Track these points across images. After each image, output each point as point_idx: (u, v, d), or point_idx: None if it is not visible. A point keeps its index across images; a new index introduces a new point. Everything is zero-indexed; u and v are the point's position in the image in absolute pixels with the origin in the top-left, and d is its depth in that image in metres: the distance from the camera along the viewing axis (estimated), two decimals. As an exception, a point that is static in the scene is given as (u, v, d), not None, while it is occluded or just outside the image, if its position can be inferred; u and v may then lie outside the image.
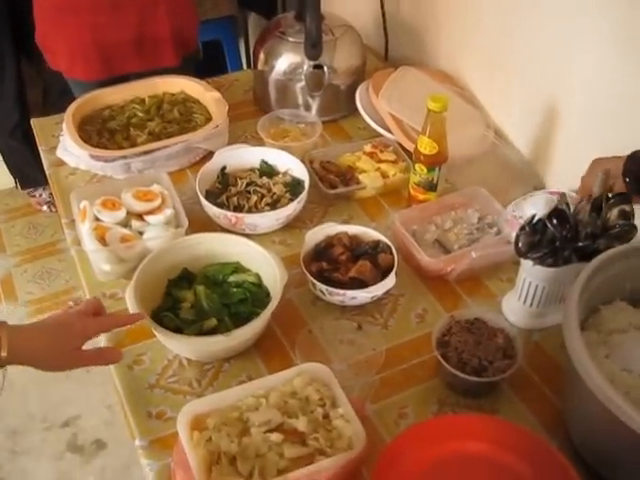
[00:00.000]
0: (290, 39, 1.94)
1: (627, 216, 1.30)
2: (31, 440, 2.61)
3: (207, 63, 3.35)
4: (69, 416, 2.68)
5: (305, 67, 1.91)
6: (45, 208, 3.55)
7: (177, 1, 2.16)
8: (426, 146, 1.56)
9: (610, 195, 1.30)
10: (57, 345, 1.17)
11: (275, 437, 1.13)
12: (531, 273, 1.34)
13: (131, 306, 1.31)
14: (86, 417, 2.67)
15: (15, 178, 3.55)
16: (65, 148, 1.82)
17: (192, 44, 2.29)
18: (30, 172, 3.38)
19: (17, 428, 2.65)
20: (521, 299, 1.40)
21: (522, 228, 1.31)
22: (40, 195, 3.54)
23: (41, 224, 3.49)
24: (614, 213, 1.30)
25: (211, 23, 3.13)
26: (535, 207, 1.53)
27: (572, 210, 1.30)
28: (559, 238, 1.27)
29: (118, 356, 1.25)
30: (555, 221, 1.28)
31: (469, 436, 1.14)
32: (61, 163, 1.84)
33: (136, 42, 2.11)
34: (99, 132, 1.85)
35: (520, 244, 1.30)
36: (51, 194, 3.39)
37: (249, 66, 2.05)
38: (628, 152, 1.35)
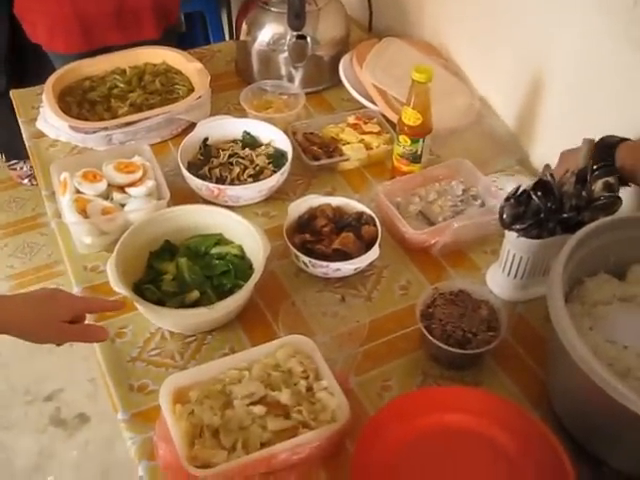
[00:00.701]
0: (273, 9, 1.91)
1: (612, 188, 1.30)
2: (14, 414, 2.59)
3: (189, 35, 3.33)
4: (52, 390, 2.67)
5: (288, 37, 1.89)
6: (26, 181, 3.50)
7: None
8: (410, 117, 1.55)
9: (595, 167, 1.30)
10: (43, 316, 1.17)
11: (258, 410, 1.13)
12: (515, 245, 1.33)
13: (112, 279, 1.29)
14: (69, 391, 2.66)
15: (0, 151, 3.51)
16: (45, 120, 1.80)
17: (173, 16, 2.26)
18: (16, 144, 3.32)
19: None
20: (505, 271, 1.39)
21: (507, 199, 1.30)
22: (21, 168, 3.48)
23: (22, 197, 3.45)
24: (599, 185, 1.30)
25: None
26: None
27: (557, 181, 1.30)
28: (544, 210, 1.27)
29: (104, 334, 1.24)
30: (540, 193, 1.27)
31: (453, 408, 1.14)
32: (41, 135, 1.81)
33: (117, 13, 2.08)
34: (79, 103, 1.82)
35: (504, 215, 1.30)
36: (32, 167, 3.34)
37: (232, 38, 2.02)
38: (612, 127, 1.35)
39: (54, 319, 1.18)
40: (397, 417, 1.14)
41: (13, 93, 2.02)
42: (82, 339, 1.23)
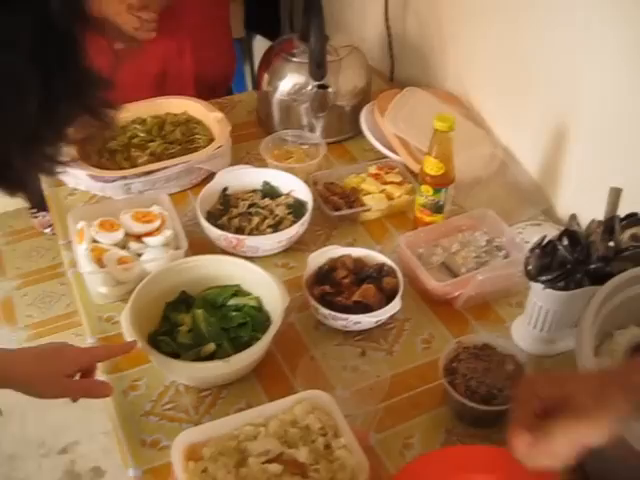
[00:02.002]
0: (294, 59, 1.90)
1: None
2: (28, 466, 2.57)
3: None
4: (67, 442, 2.64)
5: (309, 87, 1.88)
6: (47, 230, 3.51)
7: (206, 49, 2.17)
8: (432, 167, 1.52)
9: (622, 217, 1.26)
10: (46, 371, 1.16)
11: (274, 468, 1.08)
12: (541, 297, 1.29)
13: (126, 330, 1.27)
14: (84, 443, 2.63)
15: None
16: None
17: (220, 94, 2.28)
18: (41, 194, 3.34)
19: (14, 453, 2.60)
20: (531, 324, 1.35)
21: (532, 250, 1.26)
22: (44, 217, 3.49)
23: (43, 247, 3.46)
24: (626, 235, 1.26)
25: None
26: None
27: (583, 232, 1.26)
28: (570, 260, 1.23)
29: (108, 390, 1.22)
30: (566, 242, 1.24)
31: (478, 468, 1.09)
32: (60, 183, 1.81)
33: (157, 88, 2.10)
34: (99, 152, 1.82)
35: (530, 267, 1.26)
36: None
37: (254, 88, 2.03)
38: (637, 176, 1.32)
39: (58, 375, 1.17)
40: (419, 477, 1.09)
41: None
42: (86, 395, 1.21)
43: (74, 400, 1.24)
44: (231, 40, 2.40)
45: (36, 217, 3.52)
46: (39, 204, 3.42)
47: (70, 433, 2.66)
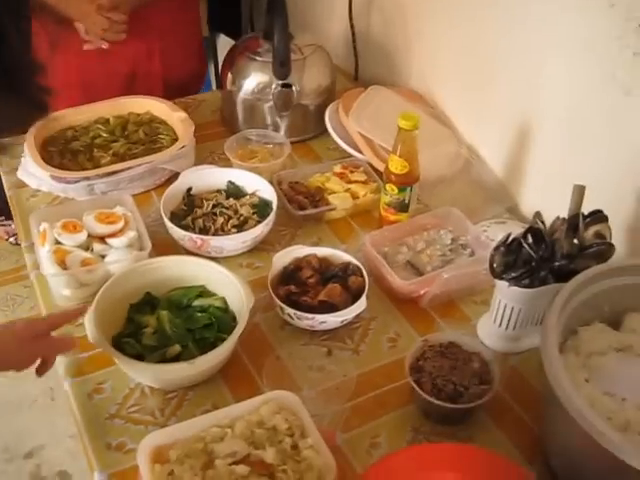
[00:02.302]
0: (258, 58, 1.89)
1: (604, 235, 1.27)
2: (-8, 472, 2.52)
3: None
4: (32, 446, 2.59)
5: (273, 86, 1.87)
6: (12, 240, 3.42)
7: (175, 52, 2.16)
8: (397, 165, 1.53)
9: (586, 214, 1.27)
10: (5, 341, 1.15)
11: (241, 469, 1.08)
12: (506, 295, 1.30)
13: (90, 332, 1.25)
14: (50, 448, 2.58)
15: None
16: (26, 169, 1.76)
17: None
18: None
19: (-22, 460, 2.56)
20: (497, 322, 1.35)
21: (496, 248, 1.27)
22: (10, 225, 3.39)
23: (5, 250, 3.40)
24: (590, 232, 1.27)
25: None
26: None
27: (547, 229, 1.27)
28: (535, 258, 1.24)
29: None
30: (531, 240, 1.25)
31: (445, 466, 1.09)
32: (22, 185, 1.78)
33: (127, 89, 2.08)
34: (61, 153, 1.79)
35: (495, 264, 1.26)
36: None
37: (218, 87, 2.02)
38: (601, 172, 1.33)
39: (10, 340, 1.14)
40: (386, 476, 1.09)
41: (-6, 143, 1.99)
42: (51, 352, 1.20)
43: (39, 374, 1.22)
44: (201, 42, 2.38)
45: (3, 225, 3.44)
46: (5, 213, 3.37)
47: (35, 437, 2.61)
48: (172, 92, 2.13)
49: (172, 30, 2.14)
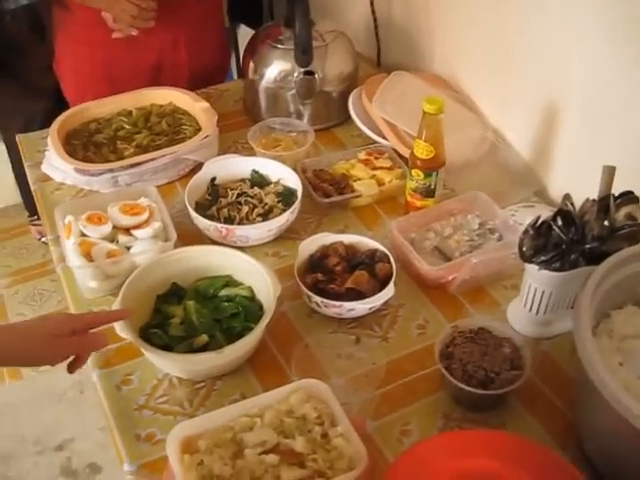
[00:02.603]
0: (280, 46, 1.88)
1: (635, 217, 1.24)
2: (24, 465, 2.54)
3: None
4: (63, 439, 2.61)
5: (296, 74, 1.86)
6: (44, 239, 3.33)
7: (200, 41, 2.15)
8: (422, 150, 1.51)
9: (617, 195, 1.25)
10: (31, 335, 1.13)
11: (271, 459, 1.07)
12: (536, 279, 1.28)
13: (117, 324, 1.25)
14: (80, 440, 2.60)
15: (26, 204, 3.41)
16: (50, 163, 1.76)
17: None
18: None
19: (9, 452, 2.57)
20: (527, 306, 1.33)
21: (526, 231, 1.25)
22: (41, 224, 3.39)
23: (32, 244, 3.43)
24: (621, 213, 1.24)
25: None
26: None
27: (577, 211, 1.24)
28: (565, 241, 1.22)
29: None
30: (560, 223, 1.22)
31: (477, 453, 1.07)
32: (47, 178, 1.78)
33: (152, 82, 2.07)
34: (85, 146, 1.79)
35: (524, 248, 1.24)
36: None
37: (240, 77, 2.01)
38: (631, 154, 1.30)
39: (44, 335, 1.12)
40: (418, 464, 1.07)
41: (19, 137, 1.99)
42: (79, 351, 1.18)
43: (71, 370, 1.20)
44: (224, 33, 2.37)
45: (34, 225, 3.44)
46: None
47: (65, 430, 2.63)
48: (196, 83, 2.13)
49: (197, 20, 2.12)
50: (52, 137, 1.75)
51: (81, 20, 2.02)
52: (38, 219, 3.32)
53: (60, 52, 2.17)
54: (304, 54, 1.81)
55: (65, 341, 1.14)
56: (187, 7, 2.07)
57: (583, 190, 1.29)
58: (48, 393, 2.74)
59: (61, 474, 2.51)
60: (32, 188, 1.80)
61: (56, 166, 1.74)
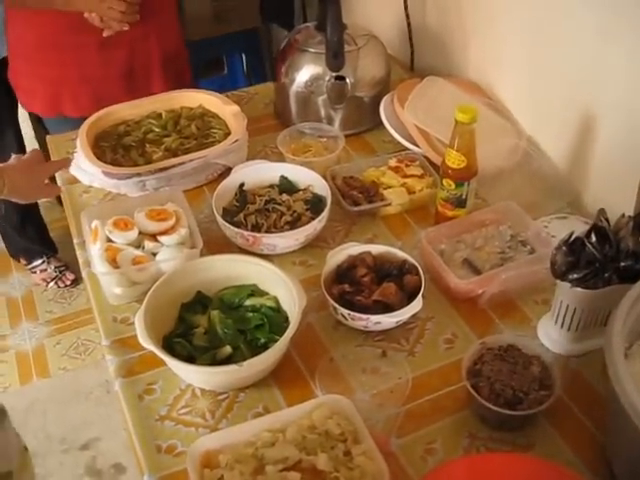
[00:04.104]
0: (311, 50, 1.86)
1: (672, 234, 1.21)
2: (49, 463, 2.54)
3: (231, 77, 3.33)
4: (88, 438, 2.61)
5: (327, 78, 1.83)
6: (52, 284, 3.23)
7: (167, 31, 2.14)
8: (454, 160, 1.48)
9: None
10: (33, 181, 1.55)
11: (292, 476, 1.06)
12: (569, 295, 1.25)
13: (140, 333, 1.23)
14: (106, 440, 2.60)
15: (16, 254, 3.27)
16: (79, 165, 1.75)
17: (184, 75, 2.27)
18: (34, 246, 3.17)
19: (35, 450, 2.55)
20: (558, 323, 1.30)
21: (558, 247, 1.22)
22: (44, 270, 3.22)
23: (76, 288, 3.26)
24: (658, 230, 1.21)
25: (234, 36, 3.08)
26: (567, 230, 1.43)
27: (612, 227, 1.21)
28: (599, 258, 1.18)
29: (67, 161, 1.71)
30: (594, 239, 1.19)
31: (504, 477, 1.05)
32: (75, 181, 1.78)
33: (126, 76, 2.08)
34: (114, 148, 1.78)
35: (557, 265, 1.21)
36: (58, 267, 3.20)
37: (273, 79, 2.00)
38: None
39: (38, 183, 1.57)
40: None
41: (48, 138, 2.00)
42: (49, 171, 1.64)
43: (53, 193, 1.77)
44: (177, 13, 2.29)
45: (35, 272, 3.24)
46: (36, 254, 3.20)
47: (91, 429, 2.63)
48: (169, 69, 2.15)
49: (161, 8, 2.11)
50: (81, 139, 1.74)
51: (50, 25, 1.98)
52: (28, 262, 3.23)
53: (18, 61, 2.11)
54: (335, 59, 1.79)
55: (33, 171, 1.55)
56: None
57: (618, 203, 1.26)
58: (75, 392, 2.75)
59: (86, 473, 2.51)
60: (60, 190, 1.79)
61: (84, 169, 1.73)
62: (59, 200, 3.24)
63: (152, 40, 2.08)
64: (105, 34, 1.92)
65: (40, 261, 3.20)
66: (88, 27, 1.91)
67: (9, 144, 2.81)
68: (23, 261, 3.24)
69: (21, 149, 2.88)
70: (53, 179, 1.79)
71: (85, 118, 1.84)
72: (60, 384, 2.80)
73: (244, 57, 3.33)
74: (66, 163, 1.70)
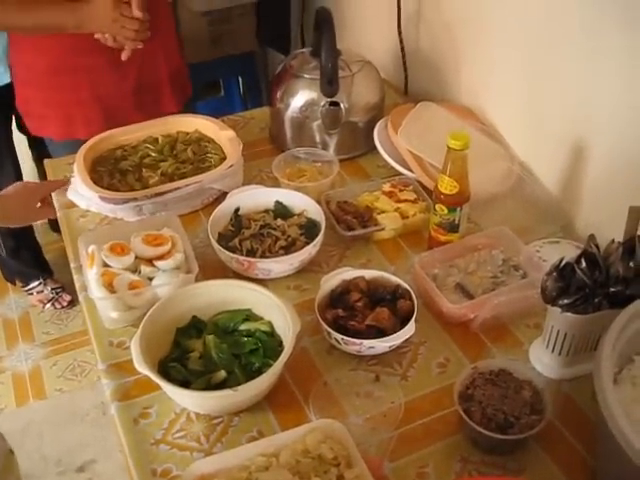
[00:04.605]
0: (306, 75, 1.88)
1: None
2: (46, 485, 2.55)
3: (228, 100, 3.36)
4: (84, 460, 2.62)
5: (321, 104, 1.86)
6: (48, 306, 3.25)
7: (171, 47, 2.16)
8: (446, 186, 1.50)
9: (643, 236, 1.23)
10: (26, 205, 1.73)
11: (286, 500, 1.06)
12: (559, 320, 1.26)
13: (135, 357, 1.24)
14: (101, 462, 2.60)
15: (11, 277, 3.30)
16: (76, 190, 1.77)
17: (189, 88, 2.29)
18: (28, 270, 3.19)
19: (31, 472, 2.58)
20: (549, 347, 1.32)
21: (549, 273, 1.23)
22: (40, 292, 3.24)
23: (73, 309, 3.27)
24: (648, 256, 1.22)
25: (230, 59, 3.11)
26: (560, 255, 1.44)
27: (602, 253, 1.23)
28: (589, 284, 1.20)
29: (64, 180, 1.82)
30: (584, 265, 1.21)
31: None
32: (72, 205, 1.79)
33: (136, 92, 2.09)
34: (110, 173, 1.80)
35: (547, 290, 1.23)
36: (55, 289, 3.22)
37: (269, 104, 2.01)
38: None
39: (29, 206, 1.72)
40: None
41: (47, 162, 2.01)
42: (46, 191, 1.80)
43: (52, 214, 1.82)
44: (175, 31, 2.31)
45: (31, 294, 3.26)
46: (31, 276, 3.21)
47: (87, 451, 2.64)
48: (176, 88, 2.18)
49: (167, 25, 2.14)
50: (78, 163, 1.76)
51: (59, 49, 1.98)
52: (24, 284, 3.23)
53: (27, 88, 2.11)
54: (330, 85, 1.82)
55: (40, 211, 1.80)
56: (158, 14, 2.04)
57: (611, 226, 1.27)
58: (71, 413, 2.75)
59: (82, 496, 2.51)
60: (58, 214, 1.80)
61: (81, 193, 1.75)
62: (52, 226, 3.28)
63: (159, 56, 2.10)
64: (124, 57, 1.92)
65: (37, 283, 3.22)
66: (99, 48, 1.92)
67: (7, 172, 2.84)
68: (19, 283, 3.26)
69: (18, 175, 2.91)
70: (50, 202, 1.82)
71: None
72: (56, 406, 2.80)
73: (240, 80, 3.35)
74: (61, 183, 1.81)
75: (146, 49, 2.00)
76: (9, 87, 2.24)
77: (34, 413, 2.77)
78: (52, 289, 3.21)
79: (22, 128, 2.86)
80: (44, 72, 2.02)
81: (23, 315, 3.23)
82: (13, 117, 2.79)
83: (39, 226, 3.31)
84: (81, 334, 3.04)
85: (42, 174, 2.97)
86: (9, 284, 3.33)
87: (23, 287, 3.25)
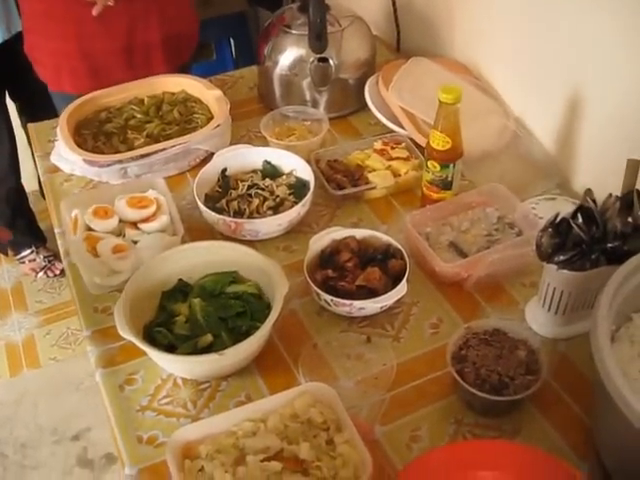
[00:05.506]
0: (294, 32, 1.83)
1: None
2: (40, 454, 2.53)
3: (220, 61, 3.31)
4: (79, 429, 2.60)
5: (310, 60, 1.80)
6: (41, 274, 3.22)
7: (170, 9, 2.07)
8: (439, 141, 1.45)
9: (641, 190, 1.19)
10: None
11: (273, 466, 1.04)
12: (555, 278, 1.22)
13: (119, 323, 1.21)
14: (96, 430, 2.58)
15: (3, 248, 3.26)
16: (60, 154, 1.72)
17: (186, 54, 2.21)
18: (21, 237, 3.15)
19: (26, 441, 2.57)
20: (545, 306, 1.28)
21: (544, 229, 1.19)
22: (33, 260, 3.20)
23: (45, 284, 3.25)
24: (646, 209, 1.18)
25: (221, 20, 3.05)
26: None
27: (599, 207, 1.18)
28: (586, 239, 1.16)
29: None
30: (581, 220, 1.17)
31: (488, 465, 1.02)
32: (56, 169, 1.74)
33: (125, 51, 2.02)
34: (95, 136, 1.75)
35: (542, 247, 1.19)
36: (47, 257, 3.18)
37: (257, 63, 1.96)
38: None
39: None
40: (428, 474, 1.03)
41: (29, 126, 1.96)
42: None
43: None
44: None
45: (23, 262, 3.22)
46: (24, 245, 3.18)
47: (82, 420, 2.62)
48: (170, 52, 2.10)
49: None
50: (61, 127, 1.71)
51: None
52: (34, 247, 3.20)
53: (30, 33, 2.09)
54: (318, 40, 1.76)
55: None
56: None
57: (608, 183, 1.23)
58: (65, 382, 2.73)
59: (77, 464, 2.50)
60: (41, 179, 1.76)
61: (65, 157, 1.70)
62: (43, 194, 3.23)
63: (153, 18, 2.03)
64: (95, 12, 1.85)
65: (29, 251, 3.18)
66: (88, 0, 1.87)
67: (1, 137, 2.80)
68: (11, 253, 3.22)
69: (10, 135, 2.85)
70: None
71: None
72: (50, 375, 2.78)
73: (232, 42, 3.30)
74: None
75: (137, 8, 1.96)
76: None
77: (28, 382, 2.74)
78: (44, 257, 3.18)
79: (13, 94, 2.82)
80: (40, 17, 1.99)
81: (16, 284, 3.19)
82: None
83: (31, 194, 3.26)
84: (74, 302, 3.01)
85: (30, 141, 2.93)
86: (1, 255, 3.29)
87: (15, 255, 3.21)
